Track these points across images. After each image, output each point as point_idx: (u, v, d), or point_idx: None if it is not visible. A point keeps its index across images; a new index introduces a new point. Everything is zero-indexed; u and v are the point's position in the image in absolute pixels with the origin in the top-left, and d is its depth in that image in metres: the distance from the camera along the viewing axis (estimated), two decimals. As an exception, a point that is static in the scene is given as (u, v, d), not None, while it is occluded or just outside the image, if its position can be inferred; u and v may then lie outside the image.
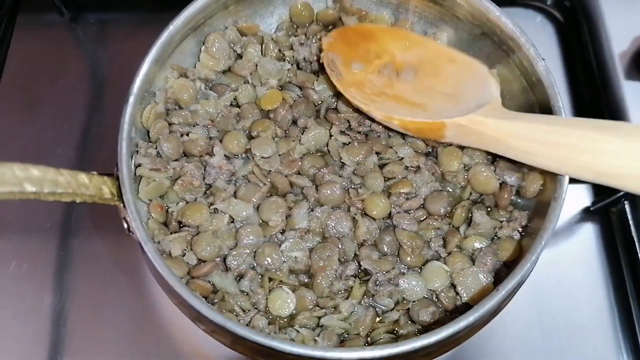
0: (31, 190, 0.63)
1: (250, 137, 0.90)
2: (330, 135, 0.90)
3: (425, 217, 0.85)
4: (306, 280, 0.83)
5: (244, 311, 0.80)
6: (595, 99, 1.11)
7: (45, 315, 0.97)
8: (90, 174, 0.72)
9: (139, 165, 0.83)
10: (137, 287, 0.99)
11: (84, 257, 1.02)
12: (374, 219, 0.85)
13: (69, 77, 1.16)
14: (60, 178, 0.66)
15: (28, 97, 1.14)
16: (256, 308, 0.81)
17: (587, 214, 1.05)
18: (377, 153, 0.88)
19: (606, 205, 1.03)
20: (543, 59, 0.81)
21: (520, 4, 1.22)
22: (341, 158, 0.88)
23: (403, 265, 0.83)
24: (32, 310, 0.98)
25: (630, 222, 1.01)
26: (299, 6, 0.97)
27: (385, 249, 0.83)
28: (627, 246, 1.01)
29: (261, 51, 0.95)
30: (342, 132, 0.90)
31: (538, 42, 1.13)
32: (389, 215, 0.85)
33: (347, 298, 0.81)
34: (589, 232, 1.04)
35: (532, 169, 0.83)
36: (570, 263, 1.01)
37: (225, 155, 0.87)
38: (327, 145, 0.90)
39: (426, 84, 0.89)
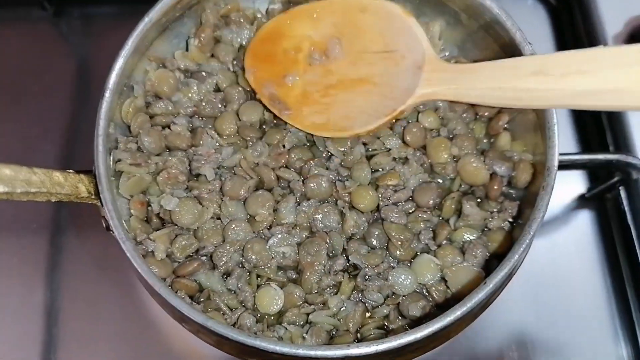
0: (3, 191, 0.62)
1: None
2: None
3: (414, 209, 0.83)
4: (294, 276, 0.82)
5: (230, 309, 0.79)
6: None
7: (35, 313, 0.97)
8: (66, 172, 0.71)
9: (119, 160, 0.82)
10: (127, 285, 0.98)
11: (73, 254, 1.01)
12: (362, 212, 0.83)
13: (53, 73, 1.14)
14: (33, 177, 0.64)
15: (12, 94, 1.13)
16: (244, 306, 0.79)
17: (582, 201, 1.04)
18: (364, 144, 0.86)
19: (601, 192, 1.02)
20: (530, 43, 0.79)
21: (511, -13, 1.20)
22: (327, 147, 0.86)
23: (392, 259, 0.81)
24: (22, 309, 0.98)
25: (626, 208, 0.99)
26: None
27: (374, 243, 0.81)
28: (623, 232, 0.99)
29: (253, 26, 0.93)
30: None
31: (529, 24, 1.13)
32: (377, 208, 0.83)
33: (336, 293, 0.80)
34: (584, 219, 1.03)
35: (521, 159, 0.82)
36: (566, 251, 1.00)
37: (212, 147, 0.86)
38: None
39: (355, 48, 0.88)
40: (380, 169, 0.85)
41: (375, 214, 0.84)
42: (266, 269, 0.80)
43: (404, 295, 0.79)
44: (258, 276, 0.81)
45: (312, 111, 0.87)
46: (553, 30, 1.17)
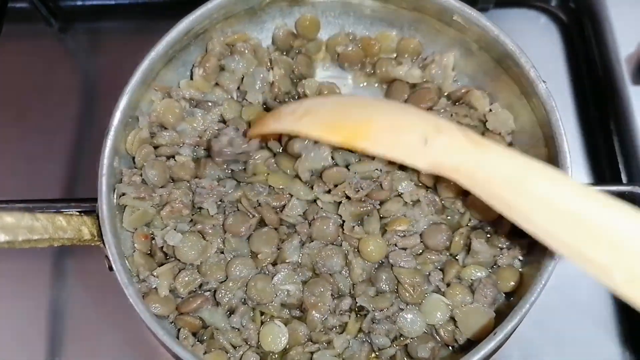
0: (4, 240, 0.60)
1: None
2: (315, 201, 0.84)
3: (422, 250, 0.82)
4: (299, 314, 0.81)
5: (234, 347, 0.78)
6: (600, 104, 1.07)
7: (39, 337, 0.96)
8: (69, 214, 0.70)
9: (123, 194, 0.80)
10: (130, 310, 0.97)
11: (77, 277, 0.99)
12: (369, 261, 0.82)
13: (58, 89, 1.13)
14: (36, 224, 0.63)
15: (17, 111, 1.11)
16: (248, 344, 0.78)
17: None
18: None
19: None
20: (544, 82, 0.78)
21: (523, 5, 1.18)
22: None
23: (402, 302, 0.80)
24: (25, 332, 0.97)
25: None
26: (307, 20, 0.94)
27: (383, 287, 0.80)
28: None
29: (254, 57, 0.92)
30: (327, 192, 0.84)
31: (542, 44, 1.13)
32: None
33: (342, 333, 0.78)
34: (594, 245, 1.01)
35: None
36: (577, 274, 0.95)
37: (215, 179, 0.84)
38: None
39: None
40: (390, 216, 0.83)
41: (383, 259, 0.82)
42: (270, 307, 0.79)
43: (412, 338, 0.78)
44: (262, 313, 0.80)
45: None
46: (565, 50, 1.14)
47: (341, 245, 0.82)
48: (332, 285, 0.80)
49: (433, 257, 0.81)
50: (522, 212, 0.64)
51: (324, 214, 0.82)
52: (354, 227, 0.82)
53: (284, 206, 0.83)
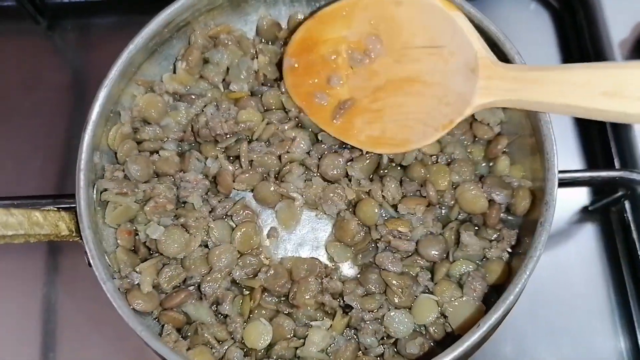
0: (-23, 236, 0.60)
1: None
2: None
3: (409, 254, 0.81)
4: (287, 311, 0.80)
5: (219, 342, 0.77)
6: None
7: (32, 333, 0.96)
8: (45, 210, 0.69)
9: (105, 190, 0.80)
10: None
11: (69, 274, 0.99)
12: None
13: (46, 87, 1.12)
14: (10, 219, 0.62)
15: (4, 109, 1.11)
16: (232, 338, 0.78)
17: (585, 214, 1.01)
18: None
19: (605, 205, 0.99)
20: (529, 66, 0.77)
21: (513, -11, 1.17)
22: None
23: (391, 305, 0.79)
24: (19, 329, 0.97)
25: (630, 222, 0.96)
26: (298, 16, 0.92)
27: (372, 289, 0.79)
28: (627, 246, 0.96)
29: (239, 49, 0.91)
30: None
31: (532, 30, 1.12)
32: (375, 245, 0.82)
33: (328, 329, 0.78)
34: (587, 233, 1.00)
35: (520, 185, 0.80)
36: (569, 264, 0.98)
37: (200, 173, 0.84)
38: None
39: (397, 44, 0.81)
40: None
41: (370, 259, 0.81)
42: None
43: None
44: (250, 310, 0.79)
45: (364, 121, 0.82)
46: (556, 36, 1.13)
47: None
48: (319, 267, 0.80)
49: (421, 262, 0.80)
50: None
51: None
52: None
53: None
